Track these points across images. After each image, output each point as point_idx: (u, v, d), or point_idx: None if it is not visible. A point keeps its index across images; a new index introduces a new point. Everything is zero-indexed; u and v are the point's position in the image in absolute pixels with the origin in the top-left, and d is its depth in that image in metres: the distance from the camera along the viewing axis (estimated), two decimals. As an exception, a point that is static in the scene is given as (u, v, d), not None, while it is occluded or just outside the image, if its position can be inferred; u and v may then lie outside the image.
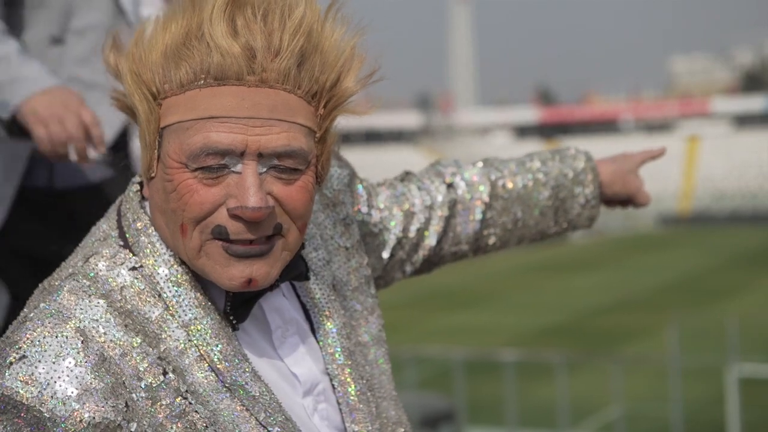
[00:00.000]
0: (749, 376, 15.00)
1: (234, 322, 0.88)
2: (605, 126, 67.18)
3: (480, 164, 1.29)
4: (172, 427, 0.80)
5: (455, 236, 1.25)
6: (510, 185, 1.28)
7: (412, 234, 1.20)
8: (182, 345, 0.84)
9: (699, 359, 17.90)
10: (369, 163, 32.25)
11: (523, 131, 66.35)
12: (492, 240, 1.29)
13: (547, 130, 65.80)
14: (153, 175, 0.85)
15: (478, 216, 1.26)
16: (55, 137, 1.66)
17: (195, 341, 0.85)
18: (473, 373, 16.09)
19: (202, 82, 0.81)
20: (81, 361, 0.75)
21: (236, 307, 0.88)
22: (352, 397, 0.97)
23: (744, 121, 63.46)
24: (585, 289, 30.43)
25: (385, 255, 1.17)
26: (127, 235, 0.88)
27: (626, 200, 1.38)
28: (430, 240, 1.22)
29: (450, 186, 1.24)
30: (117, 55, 0.87)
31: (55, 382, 0.73)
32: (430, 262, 1.26)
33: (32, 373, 0.73)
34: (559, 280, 31.15)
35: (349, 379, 0.97)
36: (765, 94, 68.94)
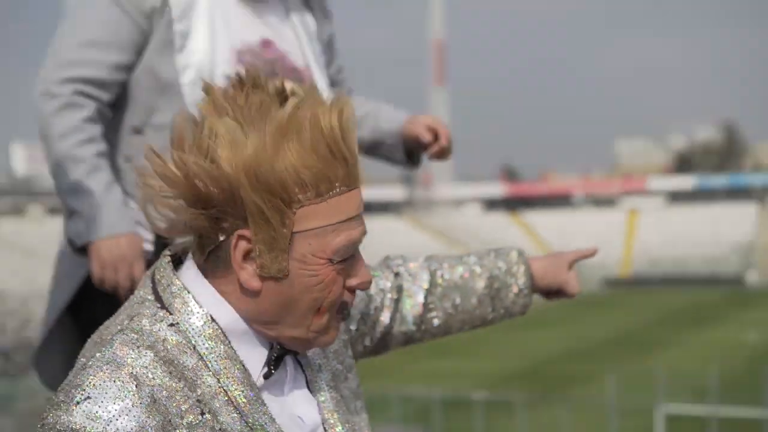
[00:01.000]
0: (674, 413, 16.71)
1: (272, 370, 0.94)
2: (560, 200, 68.97)
3: (422, 259, 1.33)
4: None
5: (402, 317, 1.28)
6: (447, 275, 1.31)
7: (371, 312, 1.23)
8: (214, 390, 0.89)
9: (633, 400, 18.83)
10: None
11: (491, 204, 67.79)
12: (436, 322, 1.31)
13: (511, 203, 67.21)
14: (282, 273, 0.88)
15: (420, 299, 1.28)
16: (106, 281, 1.72)
17: (224, 387, 0.90)
18: (449, 410, 17.67)
19: (338, 190, 0.85)
20: (136, 402, 0.81)
21: (272, 361, 0.94)
22: None
23: (676, 197, 66.13)
24: (542, 340, 31.85)
25: (353, 327, 1.18)
26: (163, 298, 0.92)
27: (557, 291, 1.39)
28: (384, 318, 1.24)
29: (397, 274, 1.27)
30: (214, 147, 0.83)
31: (117, 419, 0.80)
32: (384, 340, 1.28)
33: (96, 412, 0.80)
34: (521, 334, 31.48)
35: (338, 424, 1.02)
36: (695, 174, 71.79)
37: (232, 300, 0.91)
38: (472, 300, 1.30)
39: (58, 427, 0.81)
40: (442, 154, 2.02)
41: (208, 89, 0.90)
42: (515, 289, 1.32)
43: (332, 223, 0.85)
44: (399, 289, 1.25)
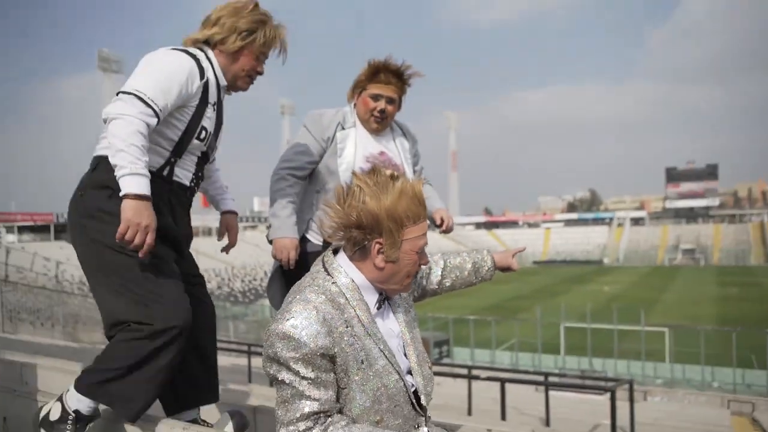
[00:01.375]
0: (569, 326, 26.34)
1: (385, 302, 1.57)
2: (513, 224, 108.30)
3: (440, 254, 1.99)
4: (348, 349, 1.42)
5: (430, 282, 1.94)
6: (452, 261, 1.97)
7: (418, 280, 1.91)
8: (352, 315, 1.45)
9: (548, 319, 27.01)
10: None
11: (478, 225, 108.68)
12: (447, 283, 1.96)
13: (488, 225, 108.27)
14: (396, 260, 1.47)
15: (439, 273, 1.95)
16: (279, 258, 2.45)
17: (356, 313, 1.46)
18: (456, 324, 24.38)
19: (420, 220, 1.49)
20: (316, 320, 1.38)
21: (380, 301, 1.54)
22: (408, 344, 1.60)
23: (569, 223, 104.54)
24: (503, 290, 42.73)
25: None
26: (328, 270, 1.50)
27: (507, 268, 2.05)
28: (424, 282, 1.93)
29: (438, 265, 1.96)
30: (361, 213, 1.43)
31: (306, 328, 1.36)
32: (424, 292, 1.94)
33: (296, 323, 1.37)
34: (493, 286, 36.90)
35: (407, 333, 1.60)
36: (577, 212, 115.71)
37: (365, 272, 1.50)
38: (465, 273, 1.97)
39: (276, 331, 1.37)
40: (446, 231, 2.67)
41: (355, 174, 1.51)
42: (486, 268, 2.00)
43: (419, 235, 1.49)
44: (430, 269, 1.94)
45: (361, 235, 1.47)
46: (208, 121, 2.12)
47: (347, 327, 1.44)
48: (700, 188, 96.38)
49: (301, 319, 1.37)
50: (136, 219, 1.80)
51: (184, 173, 2.13)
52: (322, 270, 1.52)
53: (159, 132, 2.01)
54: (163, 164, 2.05)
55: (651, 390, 15.50)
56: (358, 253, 1.50)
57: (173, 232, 2.08)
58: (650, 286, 49.14)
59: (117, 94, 1.90)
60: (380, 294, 1.55)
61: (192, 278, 2.21)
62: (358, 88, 2.57)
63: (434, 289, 1.98)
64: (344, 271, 1.50)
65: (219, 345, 2.48)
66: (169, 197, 2.09)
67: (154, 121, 1.90)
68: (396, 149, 2.60)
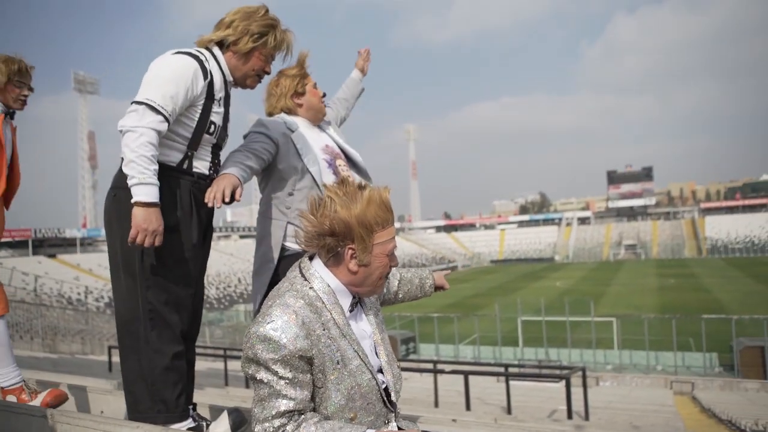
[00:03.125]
0: (525, 320, 26.78)
1: (357, 305, 1.58)
2: (470, 227, 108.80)
3: (398, 270, 2.04)
4: (325, 350, 1.43)
5: (389, 292, 2.02)
6: (405, 275, 2.08)
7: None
8: (328, 318, 1.47)
9: (506, 314, 26.36)
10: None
11: (438, 228, 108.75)
12: (401, 294, 2.05)
13: (448, 228, 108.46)
14: (368, 264, 1.49)
15: (395, 285, 2.04)
16: (214, 188, 2.05)
17: (332, 316, 1.48)
18: (421, 322, 25.36)
19: (389, 225, 1.52)
20: (295, 323, 1.38)
21: (353, 303, 1.55)
22: (379, 344, 1.60)
23: (521, 224, 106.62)
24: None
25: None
26: (305, 275, 1.51)
27: (441, 287, 2.18)
28: (386, 289, 1.99)
29: (395, 277, 2.05)
30: (333, 221, 1.45)
31: (285, 330, 1.37)
32: (384, 301, 1.97)
33: (276, 327, 1.37)
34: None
35: (377, 333, 1.61)
36: (528, 214, 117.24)
37: (340, 277, 1.52)
38: (413, 287, 2.09)
39: (257, 333, 1.37)
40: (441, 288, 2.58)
41: (325, 185, 1.58)
42: (428, 284, 2.14)
43: (388, 239, 1.53)
44: (389, 280, 2.03)
45: (335, 242, 1.48)
46: (215, 116, 2.16)
47: (324, 330, 1.44)
48: (638, 189, 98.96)
49: (281, 323, 1.38)
50: (144, 225, 1.90)
51: (202, 163, 2.17)
52: (299, 275, 1.52)
53: (174, 131, 2.08)
54: (182, 158, 2.11)
55: (602, 375, 15.79)
56: (333, 259, 1.51)
57: (191, 227, 2.14)
58: (597, 280, 50.16)
59: (131, 104, 1.97)
60: (354, 297, 1.56)
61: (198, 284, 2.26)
62: (298, 88, 2.57)
63: (390, 298, 2.05)
64: (320, 277, 1.51)
65: (196, 350, 2.42)
66: (192, 190, 2.13)
67: (164, 126, 1.98)
68: (331, 139, 2.61)
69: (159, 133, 1.96)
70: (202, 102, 2.10)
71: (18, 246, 49.61)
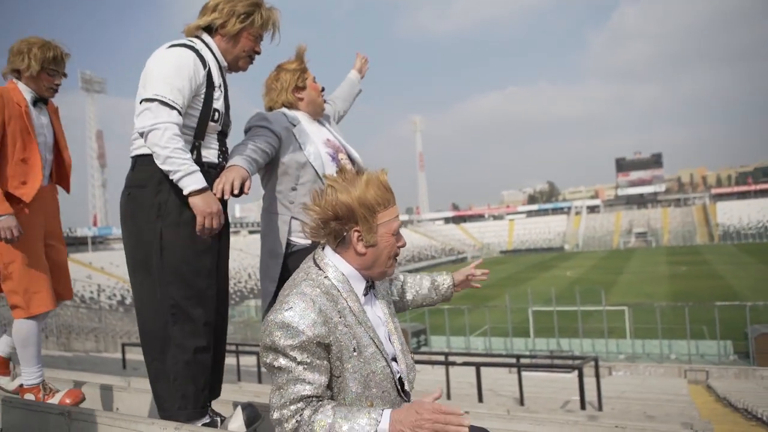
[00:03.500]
0: (537, 310, 25.57)
1: (370, 290, 1.59)
2: (478, 217, 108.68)
3: (409, 275, 2.03)
4: (342, 338, 1.45)
5: (402, 295, 1.98)
6: (411, 277, 2.02)
7: (395, 295, 1.95)
8: (344, 305, 1.50)
9: (517, 304, 27.00)
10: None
11: (447, 220, 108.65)
12: (409, 296, 1.99)
13: (456, 219, 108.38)
14: (374, 244, 1.52)
15: (399, 285, 1.98)
16: (223, 179, 2.03)
17: (347, 303, 1.50)
18: (432, 313, 25.36)
19: (390, 204, 1.54)
20: (312, 310, 1.41)
21: (367, 288, 1.57)
22: (393, 332, 1.63)
23: (530, 214, 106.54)
24: None
25: (393, 299, 1.84)
26: (319, 265, 1.55)
27: (465, 284, 2.07)
28: (397, 291, 1.96)
29: (403, 281, 1.99)
30: (335, 205, 1.49)
31: (304, 318, 1.39)
32: (396, 305, 1.93)
33: (294, 315, 1.39)
34: None
35: (390, 321, 1.64)
36: (537, 204, 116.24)
37: (350, 261, 1.55)
38: (424, 290, 2.03)
39: (275, 320, 1.39)
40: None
41: (326, 176, 1.72)
42: (444, 287, 2.04)
43: (391, 218, 1.55)
44: (400, 286, 2.00)
45: (339, 226, 1.52)
46: (217, 103, 2.17)
47: (341, 317, 1.46)
48: (648, 176, 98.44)
49: (299, 310, 1.40)
50: (207, 209, 1.97)
51: (210, 152, 2.18)
52: (314, 265, 1.55)
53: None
54: (189, 149, 2.10)
55: (615, 365, 15.74)
56: (341, 244, 1.55)
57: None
58: (608, 268, 50.47)
59: (140, 103, 1.97)
60: (367, 281, 1.58)
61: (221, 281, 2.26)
62: (299, 82, 2.55)
63: (397, 300, 1.98)
64: (334, 265, 1.54)
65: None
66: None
67: (180, 119, 2.00)
68: (331, 133, 2.60)
69: (178, 125, 1.98)
70: (204, 91, 2.11)
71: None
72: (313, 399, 1.39)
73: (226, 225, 2.29)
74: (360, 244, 1.52)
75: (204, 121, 2.12)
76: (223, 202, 2.20)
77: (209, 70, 2.12)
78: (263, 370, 7.92)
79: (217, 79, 2.16)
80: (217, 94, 2.16)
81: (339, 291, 1.50)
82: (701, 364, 17.00)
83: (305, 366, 1.37)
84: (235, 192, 1.98)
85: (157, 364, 2.09)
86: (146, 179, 2.06)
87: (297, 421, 1.36)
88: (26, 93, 2.63)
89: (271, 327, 1.38)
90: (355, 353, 1.45)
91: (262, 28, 2.21)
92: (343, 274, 1.53)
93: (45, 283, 2.61)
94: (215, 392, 2.26)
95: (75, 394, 2.65)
